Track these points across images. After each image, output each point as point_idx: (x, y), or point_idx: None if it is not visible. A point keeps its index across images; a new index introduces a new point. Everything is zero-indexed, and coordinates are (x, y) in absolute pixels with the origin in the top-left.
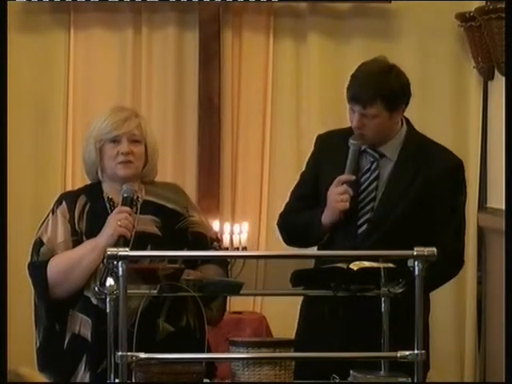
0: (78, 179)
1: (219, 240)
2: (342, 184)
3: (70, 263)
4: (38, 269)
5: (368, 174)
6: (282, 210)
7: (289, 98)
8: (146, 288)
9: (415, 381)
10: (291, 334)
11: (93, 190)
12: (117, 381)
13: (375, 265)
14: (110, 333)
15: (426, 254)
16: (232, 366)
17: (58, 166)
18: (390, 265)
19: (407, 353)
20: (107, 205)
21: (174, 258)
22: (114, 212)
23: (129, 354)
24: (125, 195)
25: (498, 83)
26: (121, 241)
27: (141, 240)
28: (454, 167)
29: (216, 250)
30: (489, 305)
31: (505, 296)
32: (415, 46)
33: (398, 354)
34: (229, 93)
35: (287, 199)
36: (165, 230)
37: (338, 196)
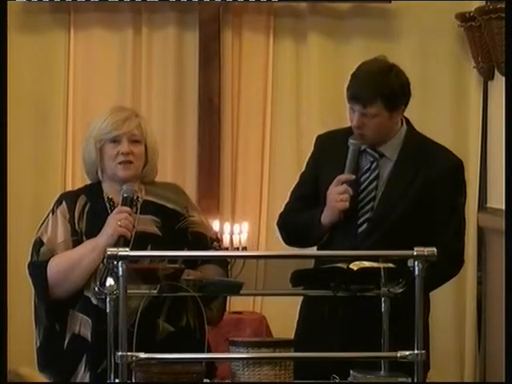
0: (77, 179)
1: (219, 240)
2: (342, 183)
3: (70, 263)
4: (37, 269)
5: (368, 174)
6: (281, 210)
7: (289, 98)
8: (146, 288)
9: (415, 381)
10: (291, 334)
11: (93, 190)
12: (117, 381)
13: (375, 265)
14: (109, 333)
15: (426, 253)
16: (232, 366)
17: (58, 166)
18: (390, 265)
19: (407, 353)
20: (107, 205)
21: (174, 258)
22: (114, 212)
23: (129, 354)
24: (125, 195)
25: (498, 83)
26: (121, 241)
27: (141, 240)
28: (454, 167)
29: (216, 249)
30: (489, 305)
31: (505, 296)
32: (415, 46)
33: (398, 354)
34: (229, 93)
35: (287, 199)
36: (165, 229)
37: (337, 195)
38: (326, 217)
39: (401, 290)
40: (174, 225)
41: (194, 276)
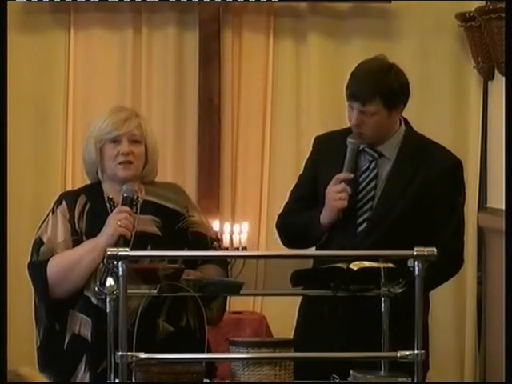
0: (78, 179)
1: (219, 240)
2: (341, 182)
3: (69, 263)
4: (37, 268)
5: (367, 173)
6: (280, 211)
7: (289, 98)
8: (146, 288)
9: (415, 381)
10: (291, 334)
11: (93, 190)
12: (117, 381)
13: (375, 265)
14: (109, 333)
15: (426, 253)
16: (232, 366)
17: (58, 166)
18: (390, 265)
19: (407, 353)
20: (107, 205)
21: (174, 258)
22: (114, 212)
23: (129, 354)
24: (125, 195)
25: (498, 83)
26: (121, 241)
27: (141, 240)
28: (453, 167)
29: (216, 249)
30: (489, 305)
31: (505, 296)
32: (415, 46)
33: (398, 354)
34: (229, 93)
35: (286, 200)
36: (165, 229)
37: (336, 194)
38: (325, 216)
39: (401, 290)
40: (174, 225)
41: (194, 276)
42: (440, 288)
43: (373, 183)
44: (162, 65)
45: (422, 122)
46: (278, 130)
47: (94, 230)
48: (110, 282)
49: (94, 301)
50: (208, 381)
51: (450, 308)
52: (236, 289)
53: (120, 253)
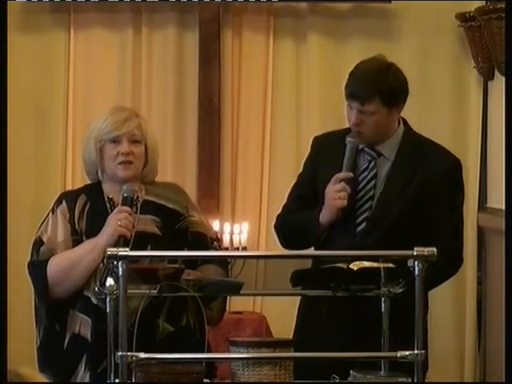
0: (77, 179)
1: (219, 240)
2: (340, 182)
3: (69, 262)
4: (37, 268)
5: (366, 173)
6: (278, 212)
7: (289, 98)
8: (146, 288)
9: (415, 381)
10: (291, 334)
11: (93, 190)
12: (117, 381)
13: (375, 265)
14: (109, 333)
15: (426, 254)
16: (232, 366)
17: (58, 166)
18: (390, 265)
19: (407, 353)
20: (107, 204)
21: (174, 258)
22: (114, 212)
23: (129, 354)
24: (125, 195)
25: (498, 83)
26: (121, 241)
27: (141, 240)
28: (452, 167)
29: (216, 249)
30: (489, 305)
31: (505, 296)
32: (415, 46)
33: (398, 354)
34: (229, 93)
35: (284, 201)
36: (165, 229)
37: (335, 193)
38: (325, 216)
39: (401, 290)
40: (174, 225)
41: (194, 276)
42: (440, 288)
43: (372, 183)
44: (162, 65)
45: (422, 122)
46: (277, 130)
47: (93, 229)
48: (110, 282)
49: (94, 301)
50: (208, 381)
51: (450, 308)
52: (236, 289)
53: (120, 253)
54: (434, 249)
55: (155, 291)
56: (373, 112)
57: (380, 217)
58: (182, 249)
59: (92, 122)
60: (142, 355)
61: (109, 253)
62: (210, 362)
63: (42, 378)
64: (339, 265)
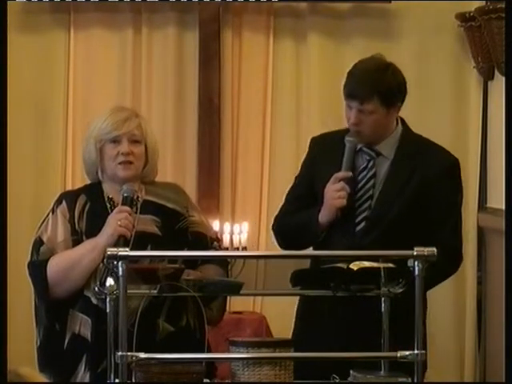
0: (77, 179)
1: (219, 240)
2: (339, 181)
3: (69, 262)
4: (37, 268)
5: (365, 172)
6: (276, 212)
7: (289, 98)
8: (146, 288)
9: (415, 381)
10: (291, 334)
11: (93, 190)
12: (117, 381)
13: (375, 265)
14: (109, 333)
15: (426, 254)
16: (232, 366)
17: (58, 166)
18: (390, 265)
19: (407, 353)
20: (107, 204)
21: (174, 258)
22: (114, 212)
23: (129, 354)
24: (125, 195)
25: (498, 83)
26: (121, 241)
27: (141, 240)
28: (451, 166)
29: (216, 249)
30: (489, 305)
31: (505, 296)
32: (415, 46)
33: (398, 354)
34: (229, 93)
35: (282, 202)
36: (165, 229)
37: (335, 193)
38: (324, 215)
39: (401, 290)
40: (174, 225)
41: (194, 276)
42: (440, 288)
43: (371, 182)
44: (162, 65)
45: (422, 122)
46: (277, 130)
47: (94, 229)
48: (110, 282)
49: (94, 301)
50: (208, 381)
51: (450, 308)
52: (236, 289)
53: (120, 253)
54: (434, 249)
55: (155, 291)
56: (372, 111)
57: (379, 216)
58: (181, 249)
59: (92, 122)
60: (142, 355)
61: (109, 253)
62: (210, 362)
63: (42, 378)
64: (339, 265)
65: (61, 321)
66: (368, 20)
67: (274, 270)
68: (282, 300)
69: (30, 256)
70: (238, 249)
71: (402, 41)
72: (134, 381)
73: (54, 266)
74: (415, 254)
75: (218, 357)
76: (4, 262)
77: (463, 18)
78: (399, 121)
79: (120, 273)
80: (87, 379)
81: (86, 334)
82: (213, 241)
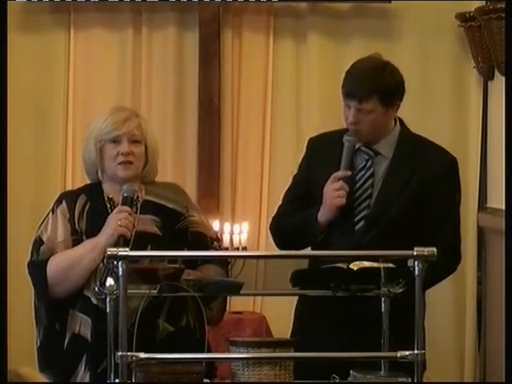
0: (77, 179)
1: (219, 240)
2: (338, 180)
3: (69, 262)
4: (37, 268)
5: (363, 172)
6: (274, 213)
7: (289, 98)
8: (146, 288)
9: (415, 381)
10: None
11: (93, 190)
12: (117, 381)
13: (375, 265)
14: (109, 333)
15: (426, 254)
16: (232, 366)
17: (58, 166)
18: (390, 265)
19: (407, 353)
20: (107, 204)
21: (174, 258)
22: (114, 212)
23: (129, 354)
24: (125, 195)
25: (498, 83)
26: (121, 240)
27: (141, 240)
28: (450, 166)
29: (216, 249)
30: (489, 305)
31: (505, 296)
32: (415, 46)
33: (398, 354)
34: (229, 93)
35: (280, 202)
36: (165, 229)
37: (334, 192)
38: (323, 215)
39: (401, 290)
40: (174, 225)
41: (194, 276)
42: (440, 288)
43: (370, 181)
44: (162, 65)
45: (422, 122)
46: (277, 130)
47: (93, 229)
48: (110, 282)
49: (94, 301)
50: (208, 381)
51: (450, 308)
52: (236, 289)
53: (120, 253)
54: (434, 249)
55: (155, 291)
56: (370, 110)
57: (378, 215)
58: (181, 249)
59: (92, 122)
60: (142, 355)
61: (109, 253)
62: (210, 362)
63: (42, 378)
64: (339, 265)
65: (61, 321)
66: (368, 20)
67: (273, 270)
68: (281, 300)
69: (29, 256)
70: (238, 249)
71: (401, 41)
72: (133, 381)
73: (54, 265)
74: (415, 253)
75: (218, 357)
76: (4, 262)
77: (463, 18)
78: (397, 120)
79: (120, 273)
80: (87, 379)
81: (85, 334)
82: (213, 241)
